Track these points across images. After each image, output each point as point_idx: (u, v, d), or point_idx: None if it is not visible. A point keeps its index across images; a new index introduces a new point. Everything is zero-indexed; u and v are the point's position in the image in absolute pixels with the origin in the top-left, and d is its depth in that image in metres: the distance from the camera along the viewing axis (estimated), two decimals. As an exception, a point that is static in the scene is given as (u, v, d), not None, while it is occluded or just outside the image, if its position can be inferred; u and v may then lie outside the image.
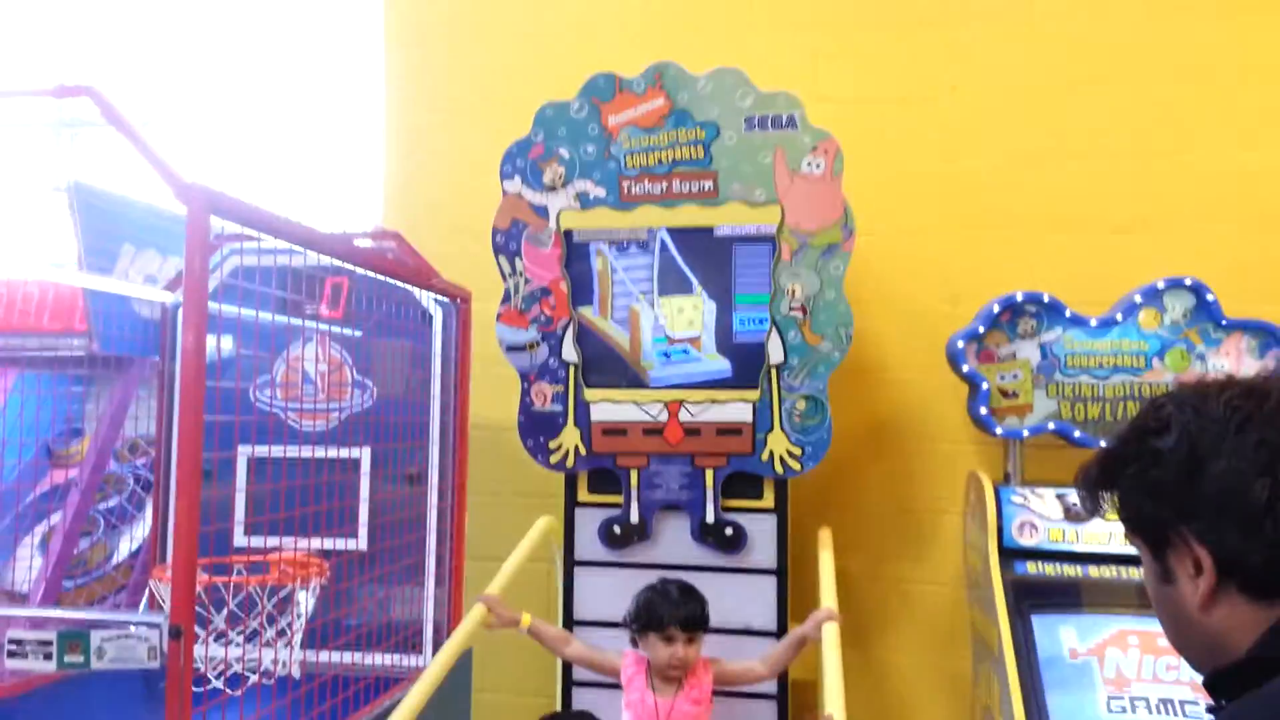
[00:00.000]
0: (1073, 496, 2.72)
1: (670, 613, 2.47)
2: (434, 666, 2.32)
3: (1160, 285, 2.83)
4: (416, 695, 2.19)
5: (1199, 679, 1.01)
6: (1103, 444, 1.07)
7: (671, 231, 2.92)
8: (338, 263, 2.45)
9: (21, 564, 2.73)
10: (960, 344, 2.91)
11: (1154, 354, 2.82)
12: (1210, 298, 2.79)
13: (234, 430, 2.18)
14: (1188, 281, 2.82)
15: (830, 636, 2.34)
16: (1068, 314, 2.88)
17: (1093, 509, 1.06)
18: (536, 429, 2.96)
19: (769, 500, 2.88)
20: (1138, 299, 2.83)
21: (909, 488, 3.35)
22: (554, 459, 2.95)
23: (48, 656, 1.64)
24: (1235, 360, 2.80)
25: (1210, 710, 0.99)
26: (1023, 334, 2.91)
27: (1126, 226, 3.26)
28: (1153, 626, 2.47)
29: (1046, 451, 3.04)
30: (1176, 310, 2.85)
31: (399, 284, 2.84)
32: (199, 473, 1.69)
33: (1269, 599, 0.92)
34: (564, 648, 2.68)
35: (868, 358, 3.35)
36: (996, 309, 2.89)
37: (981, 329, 2.89)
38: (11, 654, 1.65)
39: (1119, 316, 2.86)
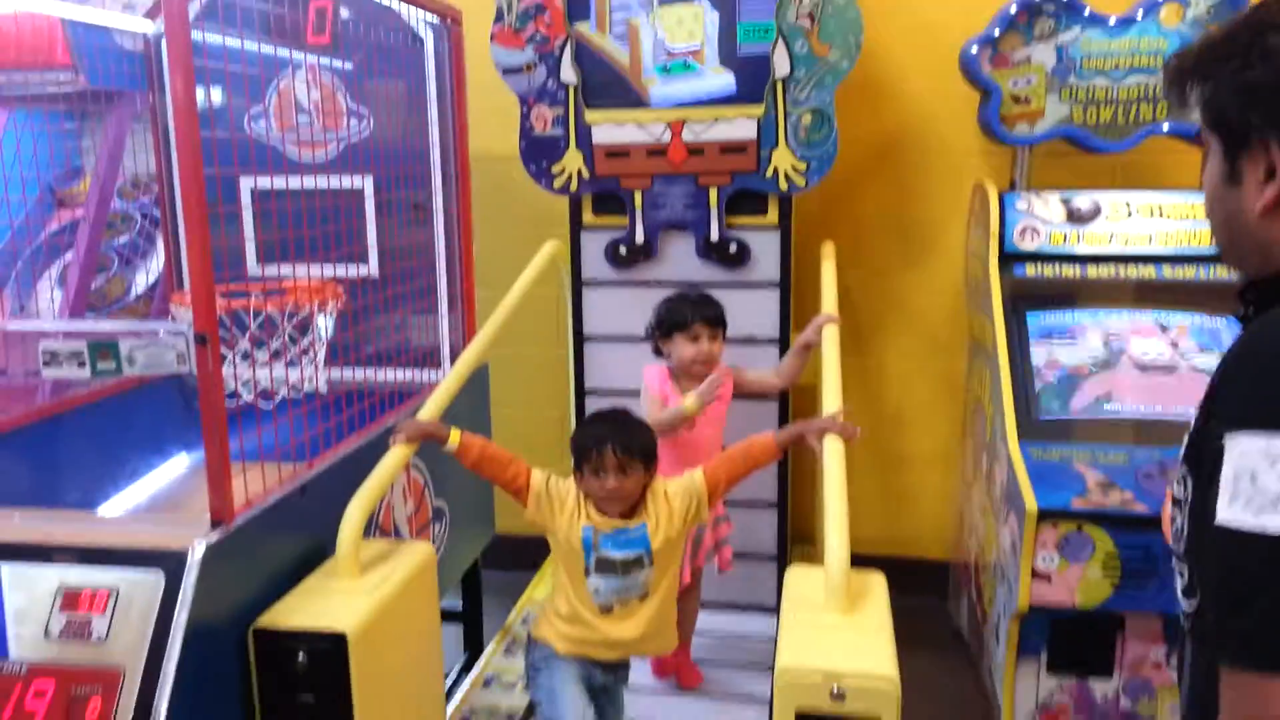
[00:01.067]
0: (1077, 200, 2.72)
1: (694, 311, 2.50)
2: (452, 374, 2.43)
3: (1185, -24, 2.69)
4: (440, 396, 2.31)
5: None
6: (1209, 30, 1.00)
7: (669, -68, 2.74)
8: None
9: (43, 298, 2.80)
10: (974, 49, 2.81)
11: (1173, 52, 2.72)
12: (1238, -11, 2.65)
13: (233, 159, 2.15)
14: (1214, -29, 2.67)
15: (830, 336, 2.42)
16: (1086, 13, 2.76)
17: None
18: (538, 153, 2.93)
19: (773, 217, 2.89)
20: (1161, -7, 2.70)
21: (914, 201, 3.34)
22: (557, 184, 2.94)
23: (81, 364, 1.71)
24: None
25: (1240, 319, 1.02)
26: (1039, 35, 2.80)
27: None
28: (1144, 324, 2.57)
29: (1053, 159, 3.03)
30: (1201, 5, 2.72)
31: (384, 2, 2.71)
32: (204, 203, 1.66)
33: None
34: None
35: (875, 70, 3.25)
36: (1013, 10, 2.77)
37: (997, 32, 2.78)
38: (46, 364, 1.73)
39: (1139, 14, 2.74)
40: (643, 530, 1.95)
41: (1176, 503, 0.99)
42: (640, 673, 2.45)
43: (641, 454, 1.96)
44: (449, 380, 2.42)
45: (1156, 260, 2.67)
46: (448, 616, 3.21)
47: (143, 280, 2.94)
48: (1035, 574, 2.21)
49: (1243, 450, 0.81)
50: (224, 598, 1.63)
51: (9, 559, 1.61)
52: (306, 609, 1.72)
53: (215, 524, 1.65)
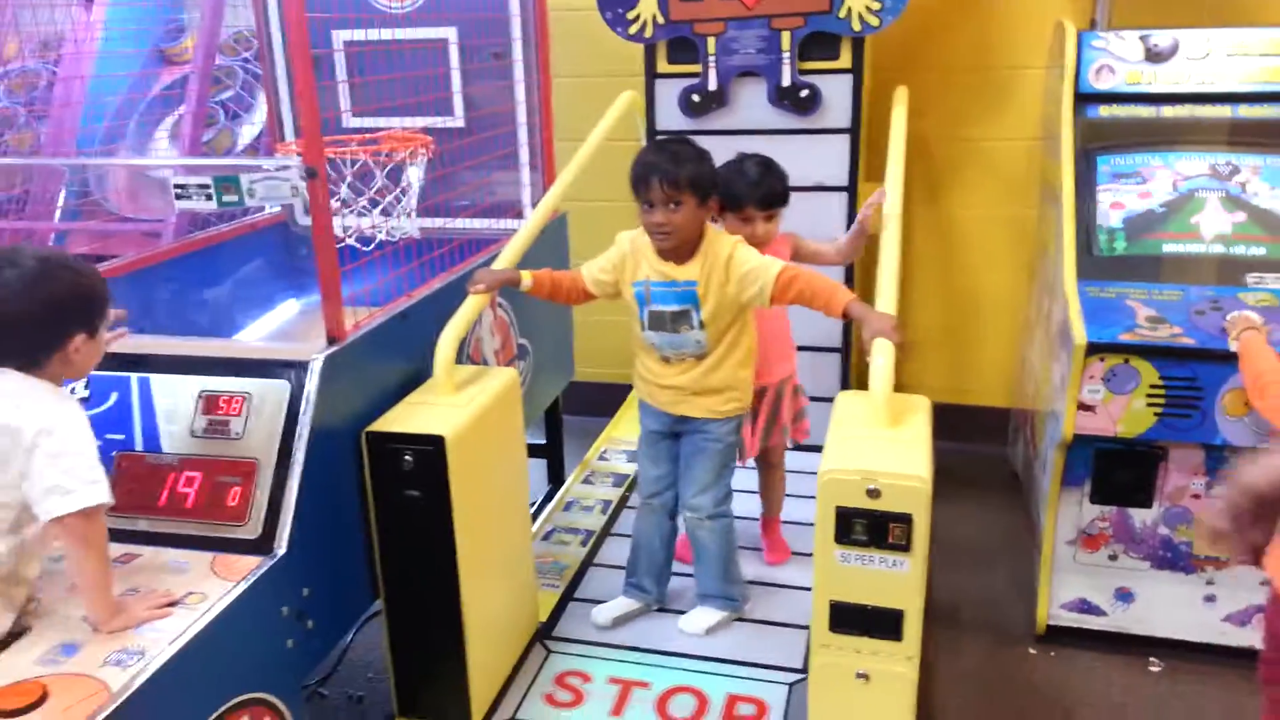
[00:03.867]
0: (1155, 37, 2.67)
1: (748, 192, 2.38)
2: (529, 223, 2.59)
3: None
4: (516, 244, 2.48)
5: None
6: None
7: None
8: None
9: (160, 149, 3.04)
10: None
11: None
12: None
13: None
14: None
15: (889, 238, 2.35)
16: None
17: None
18: (615, 1, 2.98)
19: (845, 60, 2.92)
20: None
21: (994, 44, 3.30)
22: (632, 30, 3.00)
23: (208, 197, 1.93)
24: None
25: None
26: None
27: None
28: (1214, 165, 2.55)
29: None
30: None
31: None
32: (308, 47, 1.80)
33: None
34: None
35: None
36: None
37: None
38: (178, 197, 1.95)
39: None
40: (692, 288, 2.09)
41: None
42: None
43: (691, 185, 2.02)
44: (526, 228, 2.59)
45: (1233, 99, 2.63)
46: (532, 451, 3.52)
47: (248, 133, 3.15)
48: (1081, 405, 2.32)
49: None
50: (340, 405, 1.88)
51: (157, 370, 1.87)
52: (410, 417, 1.96)
53: (330, 341, 1.89)
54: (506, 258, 2.44)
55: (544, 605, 2.46)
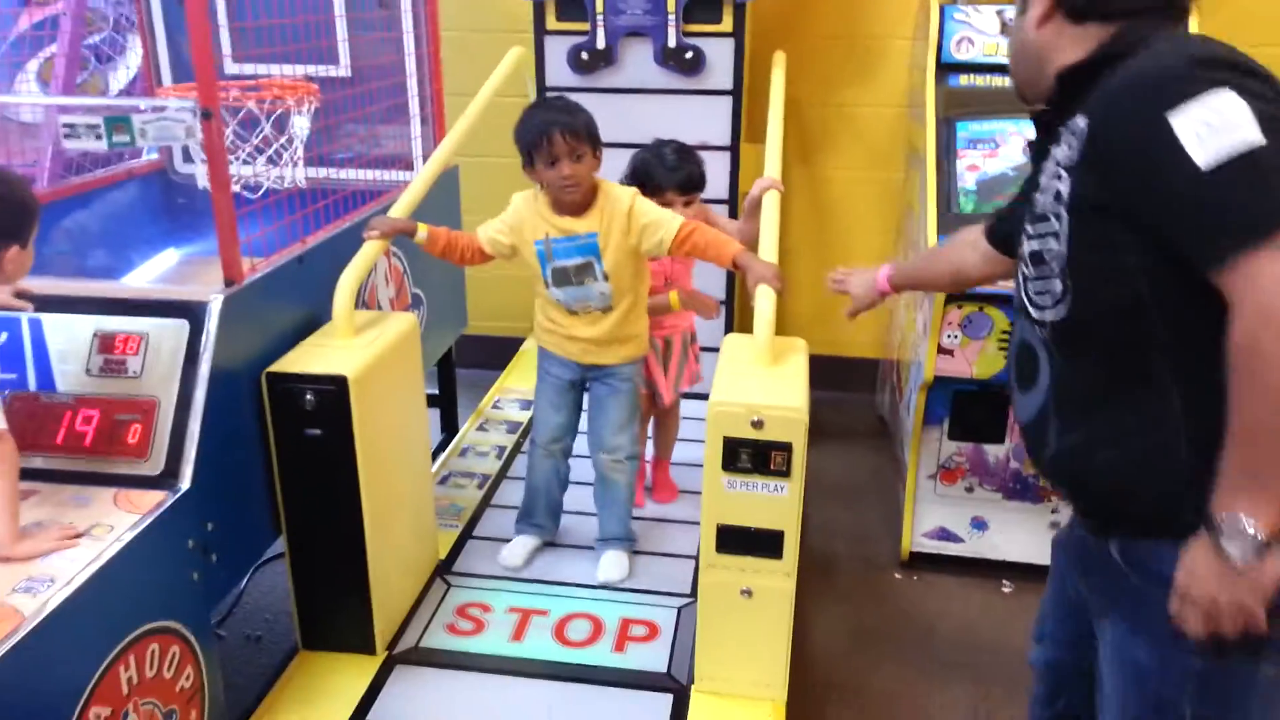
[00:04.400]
0: (1010, 11, 2.90)
1: (667, 177, 2.45)
2: (422, 174, 2.63)
3: None
4: (410, 194, 2.51)
5: None
6: None
7: None
8: None
9: (30, 93, 2.91)
10: None
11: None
12: None
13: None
14: None
15: (770, 201, 2.43)
16: None
17: None
18: (503, -45, 3.03)
19: (727, 24, 3.05)
20: None
21: (865, 14, 3.50)
22: (522, -14, 3.05)
23: (98, 137, 1.90)
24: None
25: (1030, 145, 1.37)
26: None
27: None
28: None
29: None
30: None
31: None
32: None
33: (1079, 22, 1.27)
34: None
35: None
36: None
37: None
38: (66, 136, 1.91)
39: None
40: (592, 239, 2.17)
41: (1034, 253, 1.27)
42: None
43: (589, 136, 2.11)
44: (419, 179, 2.61)
45: (1078, 73, 2.88)
46: (427, 401, 3.55)
47: (122, 76, 3.04)
48: (941, 350, 2.54)
49: (1182, 122, 1.05)
50: (239, 345, 1.90)
51: (49, 310, 1.85)
52: (311, 358, 2.00)
53: (228, 283, 1.90)
54: (400, 209, 2.46)
55: (443, 544, 2.54)
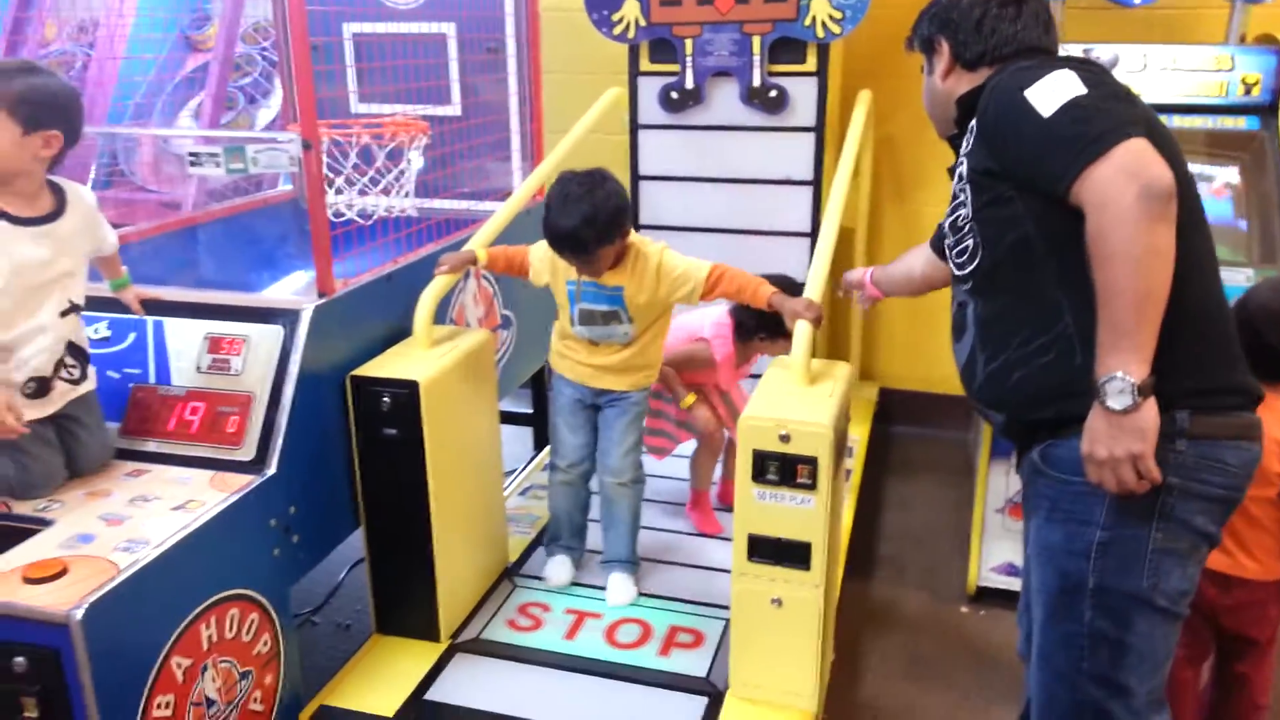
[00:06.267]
0: (1096, 51, 2.90)
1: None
2: (506, 205, 2.81)
3: None
4: (491, 225, 2.68)
5: None
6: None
7: None
8: None
9: (183, 127, 3.31)
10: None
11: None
12: None
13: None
14: None
15: (825, 236, 2.53)
16: None
17: (910, 41, 1.83)
18: (601, 2, 3.24)
19: (811, 64, 3.16)
20: None
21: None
22: (616, 30, 3.26)
23: (217, 165, 2.20)
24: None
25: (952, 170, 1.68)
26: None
27: None
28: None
29: (1088, 13, 3.19)
30: None
31: None
32: (306, 31, 2.06)
33: (973, 70, 1.65)
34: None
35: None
36: None
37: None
38: (192, 164, 2.22)
39: None
40: (619, 293, 2.30)
41: (952, 223, 1.59)
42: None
43: (600, 244, 2.19)
44: (503, 209, 2.80)
45: (1167, 110, 2.85)
46: (519, 419, 3.77)
47: (264, 117, 3.42)
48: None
49: (1032, 91, 1.40)
50: (327, 351, 2.14)
51: (170, 315, 2.14)
52: (390, 365, 2.22)
53: (321, 295, 2.15)
54: (481, 236, 2.63)
55: (515, 548, 2.72)
